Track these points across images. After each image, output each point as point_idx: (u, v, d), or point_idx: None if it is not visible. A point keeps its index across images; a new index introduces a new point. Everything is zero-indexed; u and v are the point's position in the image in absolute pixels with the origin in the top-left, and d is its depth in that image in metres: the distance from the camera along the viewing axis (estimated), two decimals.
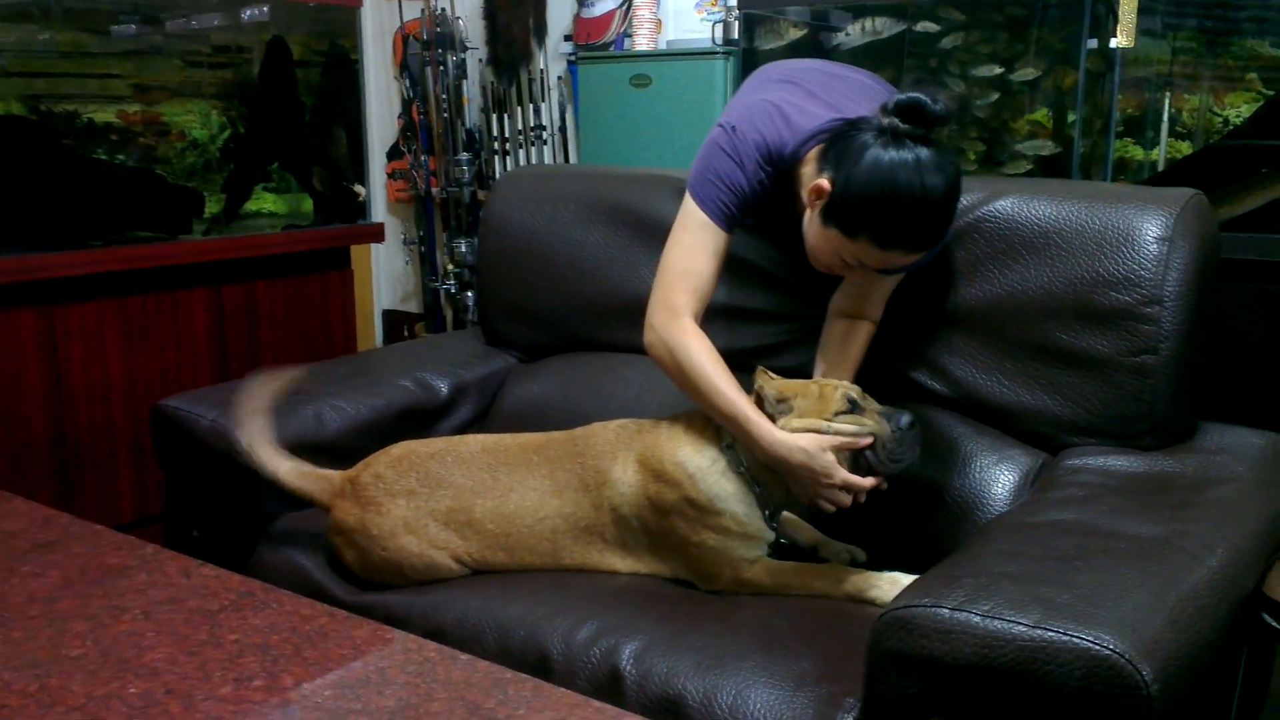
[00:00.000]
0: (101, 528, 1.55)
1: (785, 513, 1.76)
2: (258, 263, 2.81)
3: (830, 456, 1.58)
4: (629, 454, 1.71)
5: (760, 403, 1.63)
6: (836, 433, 1.59)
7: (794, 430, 1.59)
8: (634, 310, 2.16)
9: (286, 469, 1.81)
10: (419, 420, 2.15)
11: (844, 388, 1.63)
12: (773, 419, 1.61)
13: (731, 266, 1.85)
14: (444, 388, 2.25)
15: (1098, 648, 1.10)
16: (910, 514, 1.76)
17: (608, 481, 1.71)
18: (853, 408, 1.60)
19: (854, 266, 1.62)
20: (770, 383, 1.65)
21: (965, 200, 1.79)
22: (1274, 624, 1.39)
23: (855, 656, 1.32)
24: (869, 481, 1.59)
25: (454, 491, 1.74)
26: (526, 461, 1.77)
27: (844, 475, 1.58)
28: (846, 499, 1.60)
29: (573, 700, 1.09)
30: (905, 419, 1.59)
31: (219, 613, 1.28)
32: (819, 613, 1.55)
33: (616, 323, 2.21)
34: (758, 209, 1.75)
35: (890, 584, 1.57)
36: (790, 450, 1.58)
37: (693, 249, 1.72)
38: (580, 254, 2.25)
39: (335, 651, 1.19)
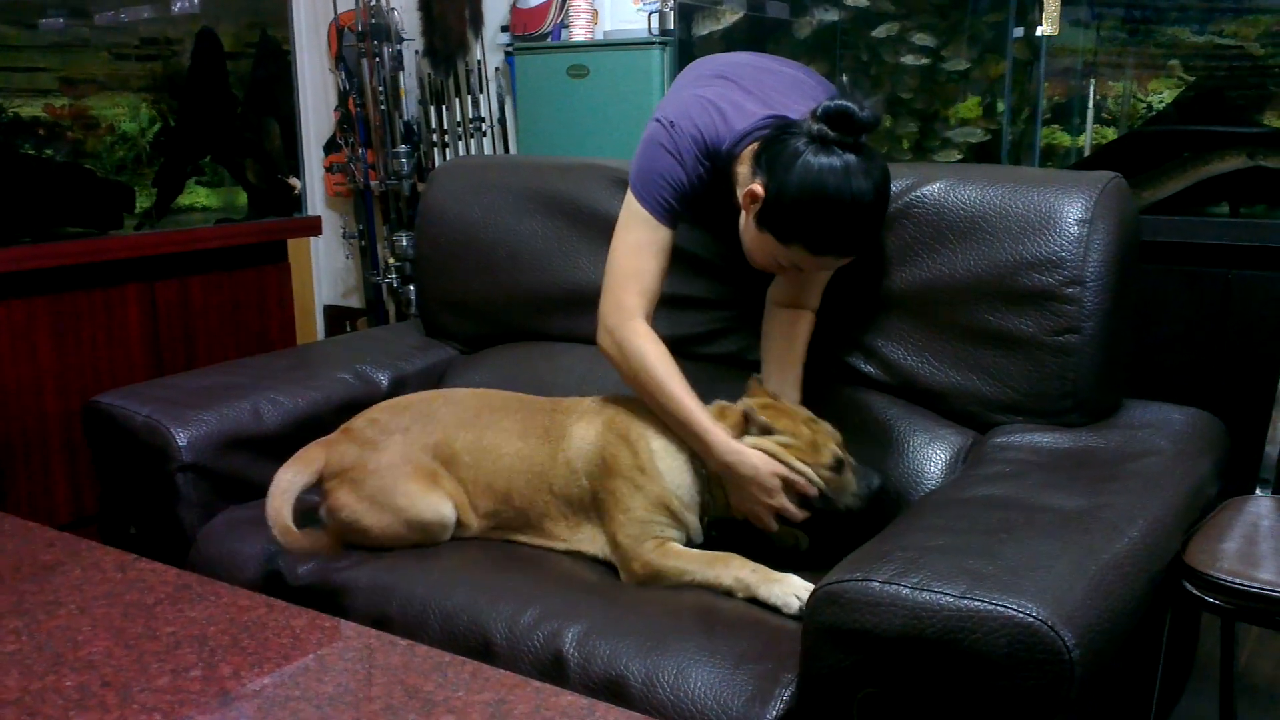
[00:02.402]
0: (34, 524, 1.53)
1: None
2: (191, 257, 2.78)
3: (777, 481, 1.62)
4: (597, 418, 1.77)
5: (745, 420, 1.65)
6: (797, 471, 1.63)
7: (751, 445, 1.63)
8: (573, 300, 2.19)
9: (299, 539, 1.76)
10: (357, 412, 2.14)
11: (833, 444, 1.66)
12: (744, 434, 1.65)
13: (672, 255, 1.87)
14: (384, 380, 2.25)
15: (1021, 615, 1.13)
16: None
17: (567, 435, 1.76)
18: (838, 468, 1.64)
19: (789, 269, 1.67)
20: (762, 410, 1.66)
21: (896, 186, 1.82)
22: (1194, 591, 1.44)
23: (793, 635, 1.35)
24: (800, 515, 1.65)
25: (442, 426, 1.82)
26: (507, 406, 1.86)
27: (782, 501, 1.63)
28: (774, 525, 1.66)
29: (512, 681, 1.10)
30: (875, 482, 1.65)
31: (155, 606, 1.28)
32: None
33: (556, 312, 2.22)
34: (696, 202, 1.77)
35: (782, 587, 1.54)
36: (741, 462, 1.62)
37: (639, 248, 1.74)
38: (518, 244, 2.26)
39: (274, 641, 1.19)
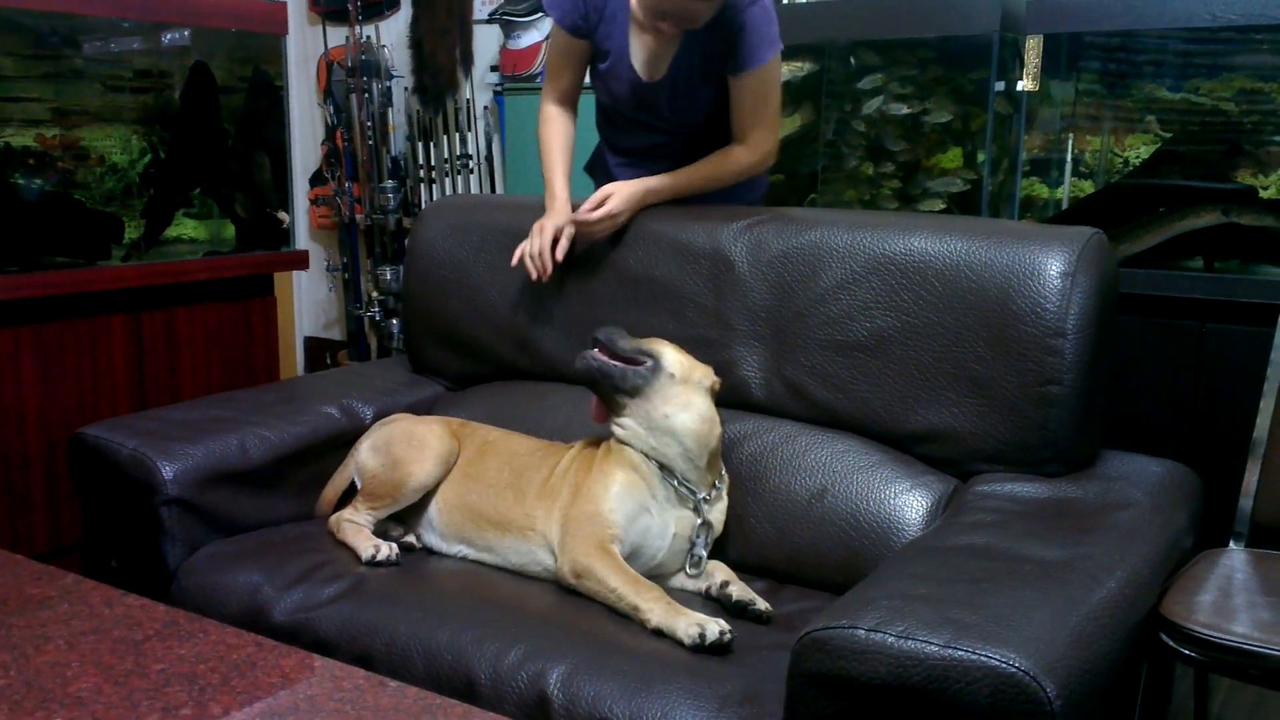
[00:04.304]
0: (20, 557, 1.53)
1: (711, 561, 1.82)
2: (178, 289, 2.78)
3: (549, 233, 2.12)
4: (591, 441, 1.92)
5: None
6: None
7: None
8: (560, 339, 2.21)
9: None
10: (344, 448, 2.15)
11: (629, 338, 1.86)
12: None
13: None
14: (369, 415, 2.26)
15: (1004, 666, 1.15)
16: (831, 537, 1.81)
17: (562, 449, 1.94)
18: (604, 335, 1.84)
19: (661, 20, 2.00)
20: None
21: (881, 236, 1.87)
22: (1170, 643, 1.47)
23: (777, 678, 1.36)
24: (548, 254, 2.12)
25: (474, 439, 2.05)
26: (530, 443, 2.02)
27: (543, 241, 2.12)
28: (534, 246, 2.13)
29: None
30: (585, 364, 1.82)
31: (144, 642, 1.28)
32: (741, 637, 1.58)
33: (543, 351, 2.24)
34: (596, 20, 2.17)
35: (685, 620, 1.56)
36: (553, 210, 2.16)
37: (553, 52, 2.30)
38: (507, 283, 2.28)
39: (264, 680, 1.20)
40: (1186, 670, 1.66)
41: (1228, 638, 1.43)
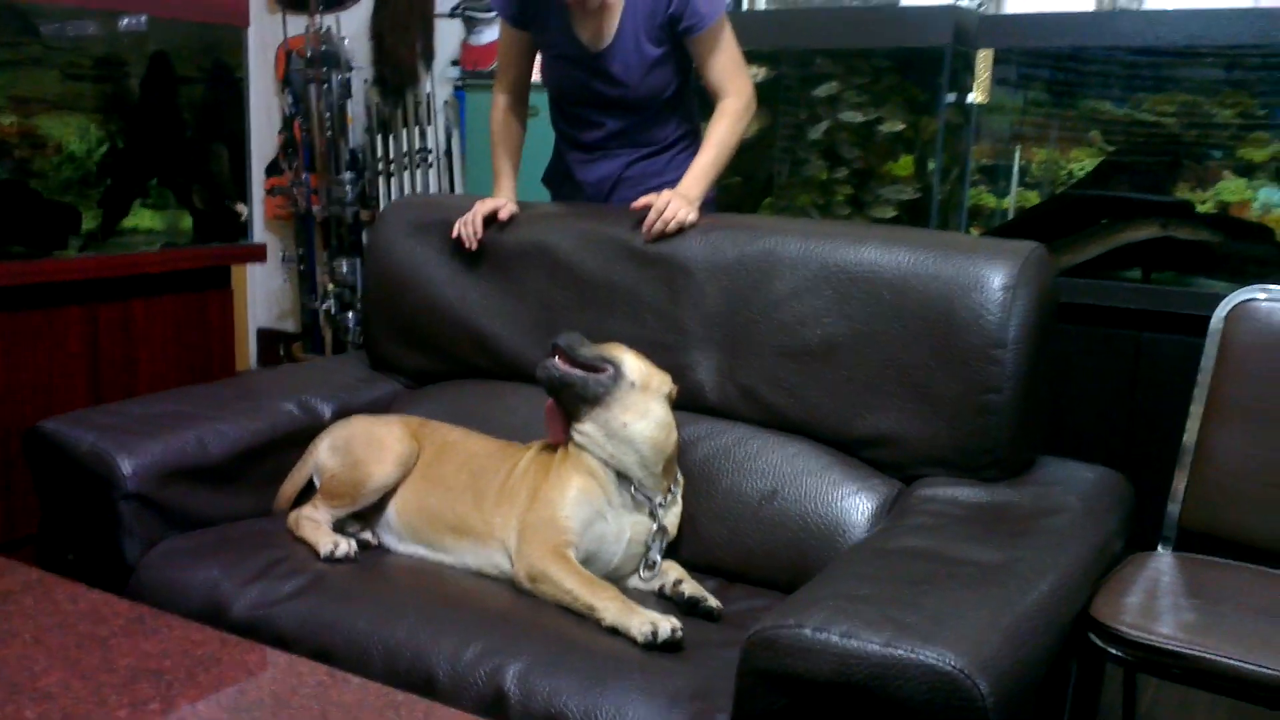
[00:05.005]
0: None
1: (665, 561, 1.87)
2: (135, 280, 2.78)
3: (486, 207, 2.28)
4: (550, 445, 1.95)
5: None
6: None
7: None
8: (518, 339, 2.25)
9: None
10: (303, 444, 2.17)
11: (598, 346, 1.90)
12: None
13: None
14: (327, 412, 2.28)
15: (940, 664, 1.22)
16: (780, 538, 1.88)
17: (520, 451, 1.98)
18: (564, 341, 1.87)
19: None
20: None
21: (835, 245, 1.93)
22: (1098, 643, 1.54)
23: (726, 675, 1.41)
24: (479, 223, 2.26)
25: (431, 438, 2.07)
26: (489, 444, 2.04)
27: (475, 212, 2.27)
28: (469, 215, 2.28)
29: (460, 719, 1.16)
30: (547, 372, 1.84)
31: (110, 638, 1.31)
32: (693, 635, 1.64)
33: (501, 351, 2.28)
34: (531, 8, 2.29)
35: (638, 618, 1.61)
36: (497, 192, 2.36)
37: (501, 46, 2.45)
38: (465, 282, 2.31)
39: (229, 675, 1.23)
40: (1117, 669, 1.74)
41: (1152, 638, 1.51)
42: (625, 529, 1.83)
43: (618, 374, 1.85)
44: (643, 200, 2.11)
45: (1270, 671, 1.44)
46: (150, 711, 1.14)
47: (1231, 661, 1.47)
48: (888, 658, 1.24)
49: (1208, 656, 1.48)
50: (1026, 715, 1.34)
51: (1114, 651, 1.53)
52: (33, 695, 1.16)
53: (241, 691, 1.20)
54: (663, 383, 1.89)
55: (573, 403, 1.85)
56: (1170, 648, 1.50)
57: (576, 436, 1.86)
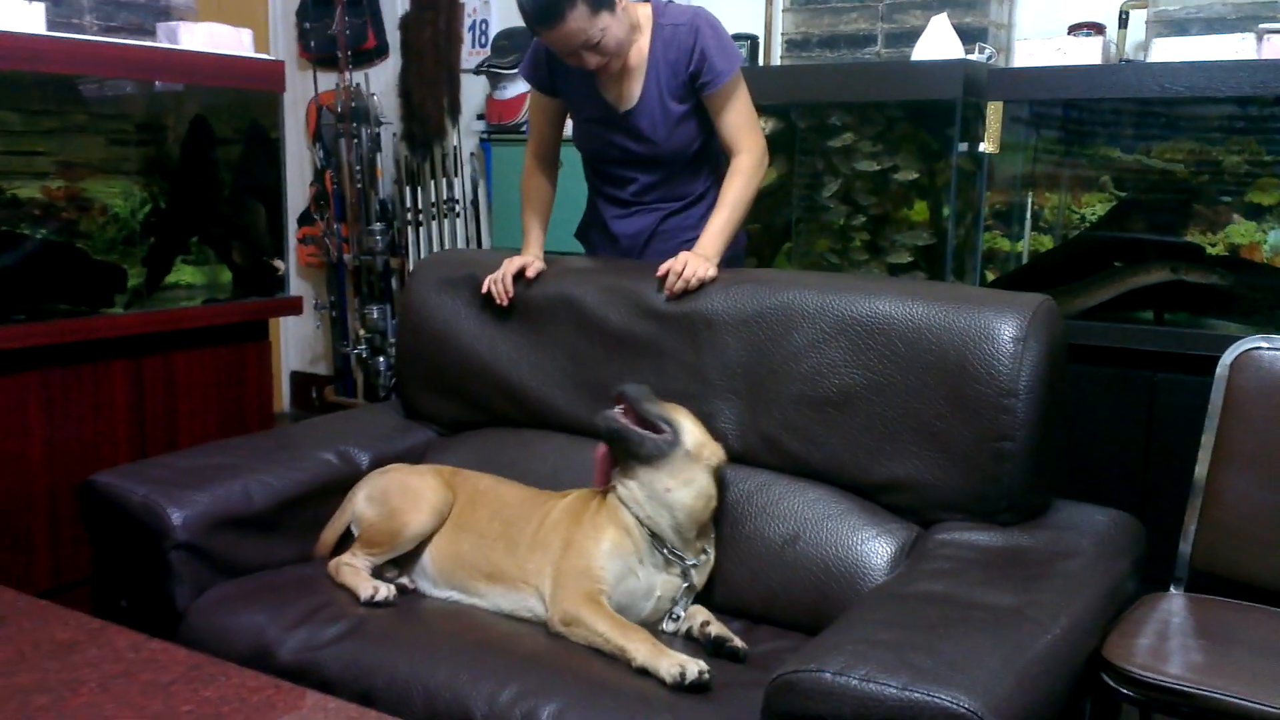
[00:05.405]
0: (46, 603, 1.64)
1: (694, 606, 1.94)
2: (177, 335, 2.89)
3: (514, 265, 2.37)
4: (580, 490, 2.06)
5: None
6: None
7: None
8: (547, 389, 2.33)
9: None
10: (341, 493, 2.25)
11: (655, 404, 1.95)
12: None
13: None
14: (365, 461, 2.37)
15: (955, 707, 1.28)
16: (803, 580, 1.94)
17: (551, 499, 2.06)
18: (631, 392, 1.93)
19: (584, 53, 2.22)
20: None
21: (848, 299, 2.01)
22: (1110, 683, 1.60)
23: (751, 715, 1.48)
24: (509, 281, 2.36)
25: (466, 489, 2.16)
26: (520, 492, 2.13)
27: (506, 270, 2.37)
28: (499, 274, 2.38)
29: None
30: (609, 424, 1.89)
31: (171, 685, 1.39)
32: (719, 676, 1.70)
33: (531, 401, 2.37)
34: (558, 77, 2.42)
35: (668, 661, 1.67)
36: (525, 250, 2.47)
37: (531, 111, 2.58)
38: (495, 335, 2.40)
39: None
40: (1134, 708, 1.80)
41: (1162, 679, 1.57)
42: (656, 586, 1.90)
43: (675, 438, 1.90)
44: (664, 266, 2.19)
45: (1276, 711, 1.49)
46: None
47: (1239, 701, 1.52)
48: (904, 700, 1.31)
49: (1216, 696, 1.53)
50: None
51: (1125, 691, 1.59)
52: None
53: None
54: (714, 453, 1.94)
55: (624, 456, 1.91)
56: (1180, 688, 1.55)
57: (620, 490, 1.92)
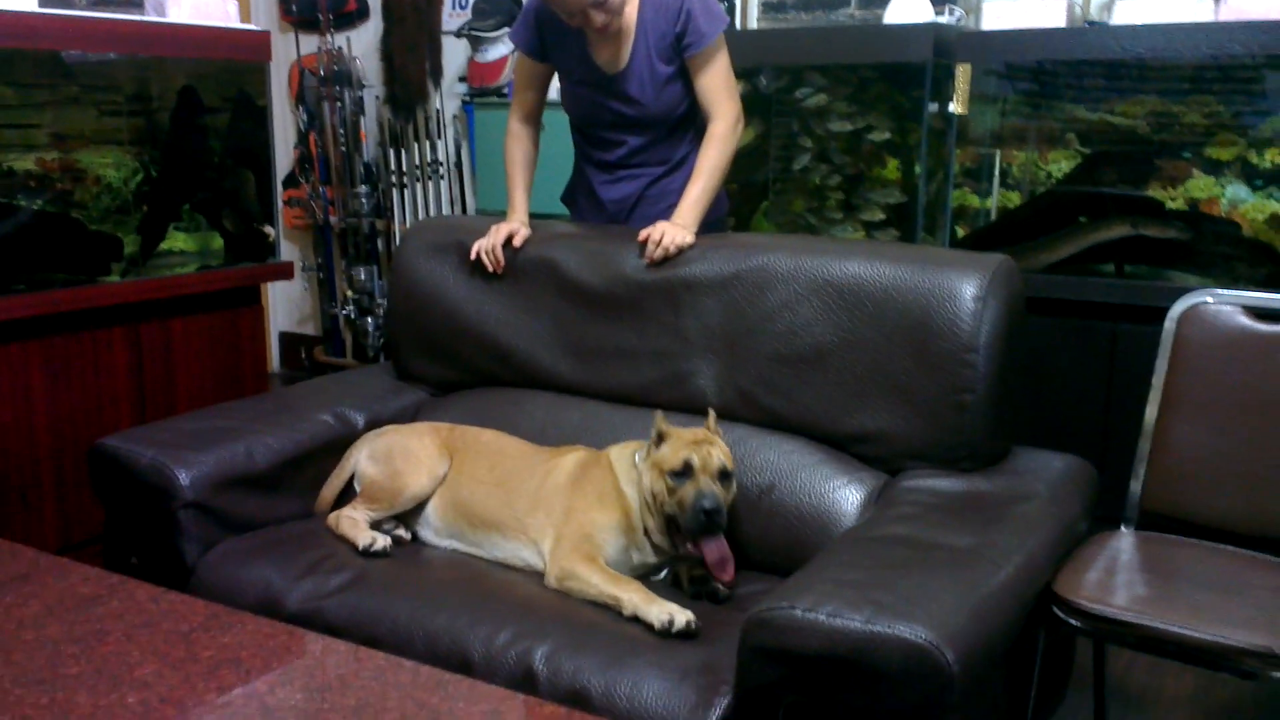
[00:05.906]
0: (66, 560, 1.74)
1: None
2: (173, 301, 2.98)
3: (503, 232, 2.46)
4: (584, 451, 2.16)
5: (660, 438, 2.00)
6: None
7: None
8: (533, 349, 2.44)
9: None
10: (339, 452, 2.36)
11: (694, 454, 1.94)
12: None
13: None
14: (360, 421, 2.47)
15: (912, 638, 1.41)
16: (778, 527, 2.07)
17: (552, 457, 2.16)
18: (683, 473, 1.93)
19: (591, 11, 2.28)
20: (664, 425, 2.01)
21: (820, 261, 2.11)
22: (1060, 615, 1.73)
23: (731, 651, 1.61)
24: (499, 249, 2.45)
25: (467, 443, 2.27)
26: (519, 446, 2.25)
27: (496, 238, 2.45)
28: (488, 242, 2.46)
29: (501, 694, 1.35)
30: (706, 504, 1.89)
31: (190, 633, 1.50)
32: (700, 616, 1.82)
33: (520, 361, 2.47)
34: (550, 41, 2.48)
35: (658, 608, 1.78)
36: (511, 216, 2.54)
37: (517, 74, 2.63)
38: (482, 298, 2.50)
39: (299, 662, 1.43)
40: (1089, 640, 1.93)
41: (1108, 610, 1.70)
42: (649, 559, 2.02)
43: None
44: (643, 233, 2.29)
45: (1212, 639, 1.62)
46: (235, 695, 1.34)
47: (1180, 630, 1.65)
48: (867, 633, 1.43)
49: (1158, 626, 1.66)
50: (992, 680, 1.54)
51: (1074, 623, 1.72)
52: (132, 684, 1.35)
53: (311, 675, 1.39)
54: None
55: (678, 524, 1.94)
56: (1124, 619, 1.69)
57: (629, 468, 2.04)
